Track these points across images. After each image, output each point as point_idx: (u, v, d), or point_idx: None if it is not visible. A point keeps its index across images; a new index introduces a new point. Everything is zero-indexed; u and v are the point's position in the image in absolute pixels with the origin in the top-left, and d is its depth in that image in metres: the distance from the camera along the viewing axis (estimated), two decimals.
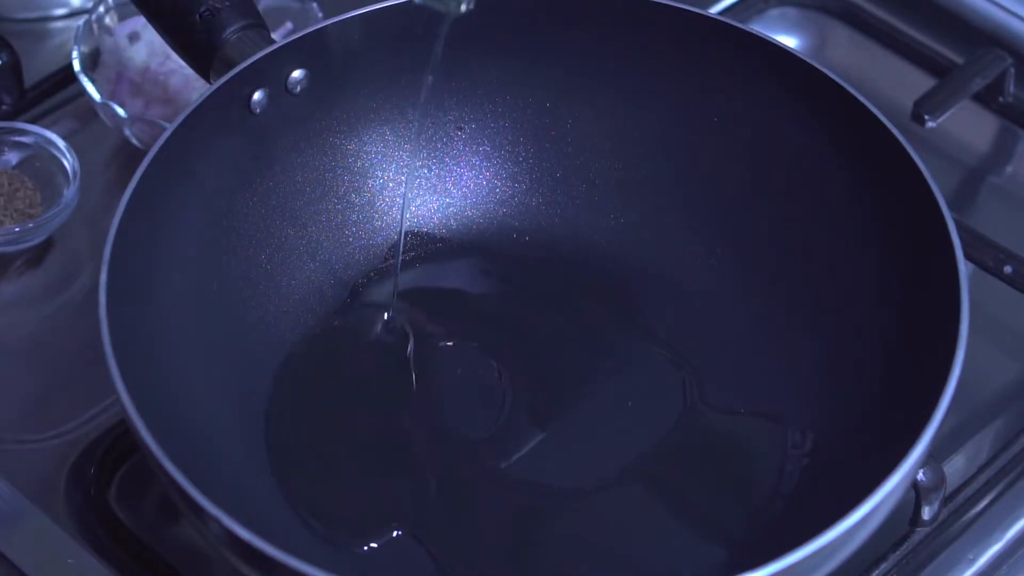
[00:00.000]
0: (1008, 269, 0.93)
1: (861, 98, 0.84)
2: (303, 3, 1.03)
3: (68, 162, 0.95)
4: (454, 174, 0.93)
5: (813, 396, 0.84)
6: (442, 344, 0.88)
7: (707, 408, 0.85)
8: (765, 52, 0.87)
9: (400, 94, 0.90)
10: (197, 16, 0.85)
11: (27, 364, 0.92)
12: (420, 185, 0.92)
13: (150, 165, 0.79)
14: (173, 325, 0.81)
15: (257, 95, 0.85)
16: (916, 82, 1.04)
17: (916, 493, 0.83)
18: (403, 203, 0.89)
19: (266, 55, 0.84)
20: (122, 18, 1.01)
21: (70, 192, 0.94)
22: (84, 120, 1.02)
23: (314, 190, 0.90)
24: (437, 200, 0.93)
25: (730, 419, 0.85)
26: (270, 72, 0.85)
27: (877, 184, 0.84)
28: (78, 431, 0.87)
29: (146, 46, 0.99)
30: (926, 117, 0.99)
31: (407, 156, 0.92)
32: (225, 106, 0.84)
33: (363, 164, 0.91)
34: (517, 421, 0.85)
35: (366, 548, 0.79)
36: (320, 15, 1.03)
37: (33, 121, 1.00)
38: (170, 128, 0.81)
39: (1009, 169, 1.05)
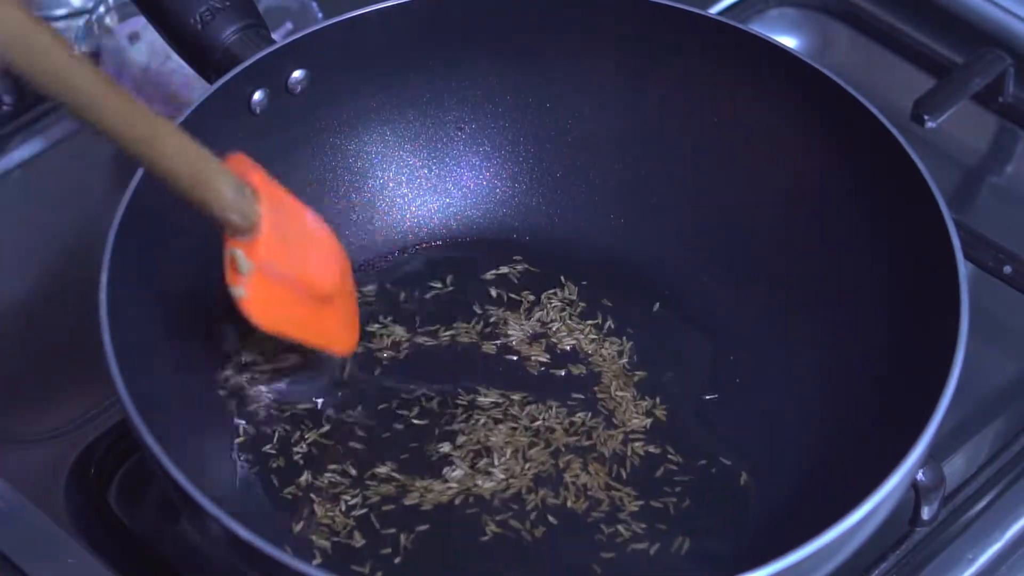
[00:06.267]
0: (1008, 269, 0.93)
1: (861, 98, 0.84)
2: (303, 3, 1.03)
3: None
4: (454, 174, 0.93)
5: (813, 396, 0.84)
6: (442, 345, 0.88)
7: (706, 407, 0.85)
8: (765, 52, 0.87)
9: (400, 94, 0.90)
10: (197, 16, 0.85)
11: (27, 364, 0.92)
12: (420, 185, 0.92)
13: None
14: (173, 325, 0.81)
15: (257, 95, 0.85)
16: (916, 82, 1.04)
17: (916, 493, 0.83)
18: None
19: (266, 55, 0.84)
20: (122, 18, 1.01)
21: None
22: None
23: (314, 190, 0.90)
24: (437, 200, 0.93)
25: (729, 419, 0.85)
26: (270, 72, 0.85)
27: (877, 184, 0.84)
28: (78, 431, 0.87)
29: (146, 46, 0.99)
30: (926, 117, 0.99)
31: (407, 156, 0.92)
32: (225, 106, 0.84)
33: (363, 164, 0.91)
34: (514, 423, 0.84)
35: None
36: (320, 15, 1.03)
37: (33, 121, 1.00)
38: None
39: (1009, 169, 1.05)
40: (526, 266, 0.91)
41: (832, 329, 0.85)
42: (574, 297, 0.89)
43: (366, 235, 0.91)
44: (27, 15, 0.66)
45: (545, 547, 0.80)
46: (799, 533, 0.70)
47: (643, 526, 0.81)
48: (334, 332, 0.83)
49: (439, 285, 0.90)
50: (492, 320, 0.88)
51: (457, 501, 0.81)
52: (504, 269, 0.91)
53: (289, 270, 0.78)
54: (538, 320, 0.89)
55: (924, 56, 1.07)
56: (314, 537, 0.80)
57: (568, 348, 0.87)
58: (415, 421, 0.84)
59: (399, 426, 0.84)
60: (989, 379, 0.93)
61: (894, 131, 0.83)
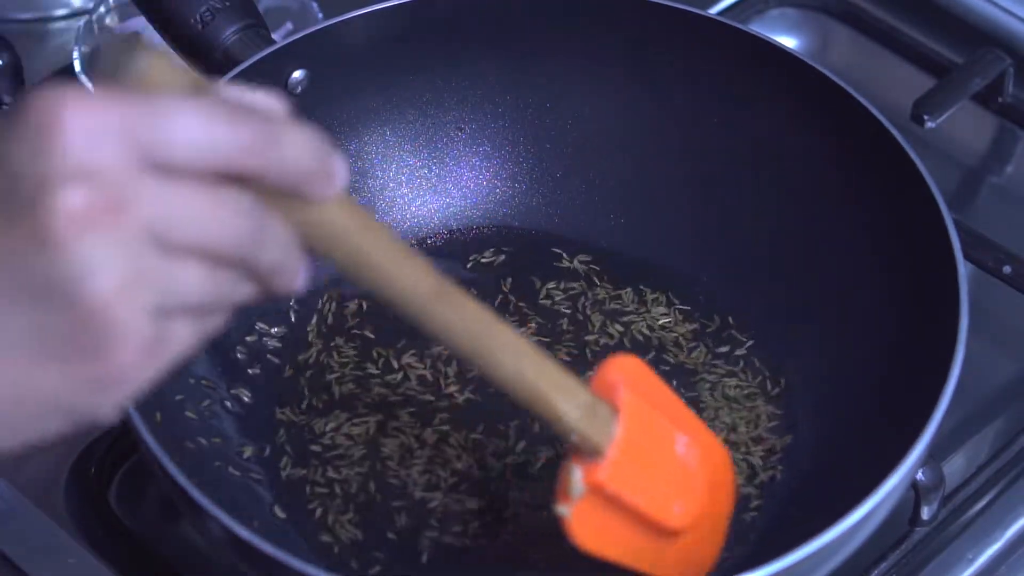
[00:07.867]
0: (1007, 269, 0.93)
1: (861, 98, 0.84)
2: (303, 3, 1.03)
3: None
4: (454, 174, 0.93)
5: (813, 396, 0.84)
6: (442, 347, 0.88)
7: (705, 408, 0.85)
8: (765, 53, 0.87)
9: (400, 94, 0.91)
10: (197, 16, 0.85)
11: None
12: (420, 185, 0.92)
13: None
14: None
15: None
16: (916, 82, 1.04)
17: (915, 493, 0.83)
18: None
19: (266, 55, 0.84)
20: (122, 18, 1.01)
21: None
22: None
23: None
24: (437, 200, 0.93)
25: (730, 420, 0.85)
26: (270, 72, 0.85)
27: (877, 184, 0.84)
28: (78, 431, 0.87)
29: None
30: (925, 117, 0.99)
31: (407, 156, 0.92)
32: None
33: (363, 164, 0.91)
34: (515, 431, 0.84)
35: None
36: (320, 15, 1.03)
37: None
38: None
39: (1009, 169, 1.05)
40: (525, 267, 0.91)
41: (832, 329, 0.85)
42: (577, 295, 0.90)
43: None
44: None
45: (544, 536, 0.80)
46: (799, 533, 0.70)
47: None
48: (670, 566, 0.74)
49: None
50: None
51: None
52: (504, 267, 0.91)
53: (629, 501, 0.70)
54: (539, 316, 0.89)
55: (924, 56, 1.07)
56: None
57: (570, 345, 0.88)
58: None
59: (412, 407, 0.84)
60: (989, 379, 0.93)
61: (894, 131, 0.83)
